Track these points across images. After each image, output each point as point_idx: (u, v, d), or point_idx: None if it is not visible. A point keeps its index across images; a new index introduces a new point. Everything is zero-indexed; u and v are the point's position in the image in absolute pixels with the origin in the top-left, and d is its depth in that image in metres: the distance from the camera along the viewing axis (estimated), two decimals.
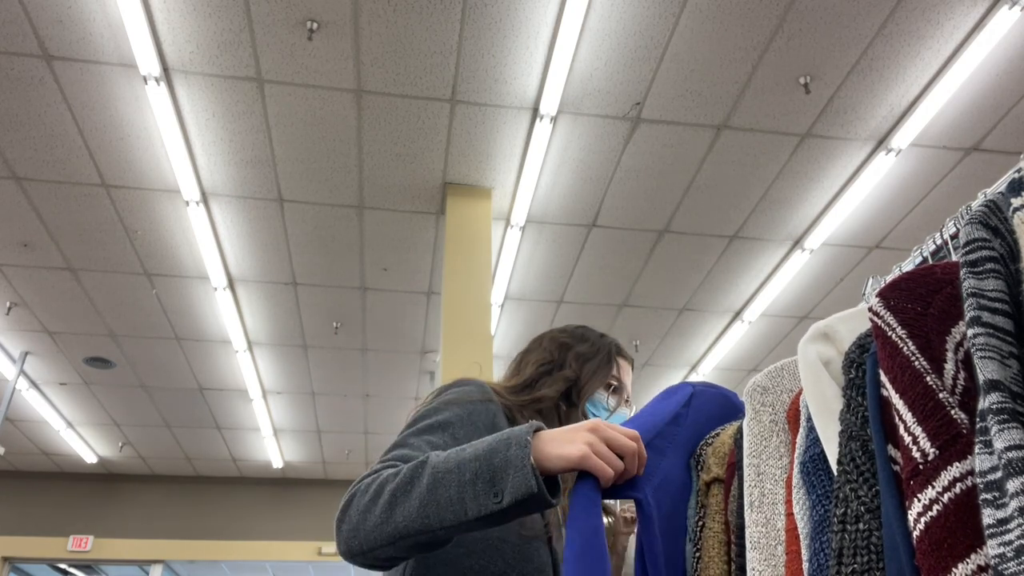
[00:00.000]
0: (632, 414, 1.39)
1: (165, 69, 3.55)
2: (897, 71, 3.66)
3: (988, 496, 0.58)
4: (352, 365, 6.12)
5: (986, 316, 0.65)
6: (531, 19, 3.39)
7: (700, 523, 1.03)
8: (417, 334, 5.73)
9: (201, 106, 3.77)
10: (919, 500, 0.63)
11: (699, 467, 1.07)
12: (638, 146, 4.08)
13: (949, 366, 0.68)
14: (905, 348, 0.71)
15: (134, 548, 7.72)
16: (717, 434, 1.09)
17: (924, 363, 0.69)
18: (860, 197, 4.39)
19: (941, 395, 0.67)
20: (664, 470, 1.04)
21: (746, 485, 0.93)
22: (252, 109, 3.80)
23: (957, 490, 0.62)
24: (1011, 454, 0.56)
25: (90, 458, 7.56)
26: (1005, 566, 0.55)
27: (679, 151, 4.12)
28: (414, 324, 5.60)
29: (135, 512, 7.90)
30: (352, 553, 0.97)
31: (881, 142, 4.07)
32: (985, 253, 0.69)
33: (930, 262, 1.25)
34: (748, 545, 0.89)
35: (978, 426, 0.61)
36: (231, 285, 5.09)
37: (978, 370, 0.62)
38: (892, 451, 0.70)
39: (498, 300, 5.29)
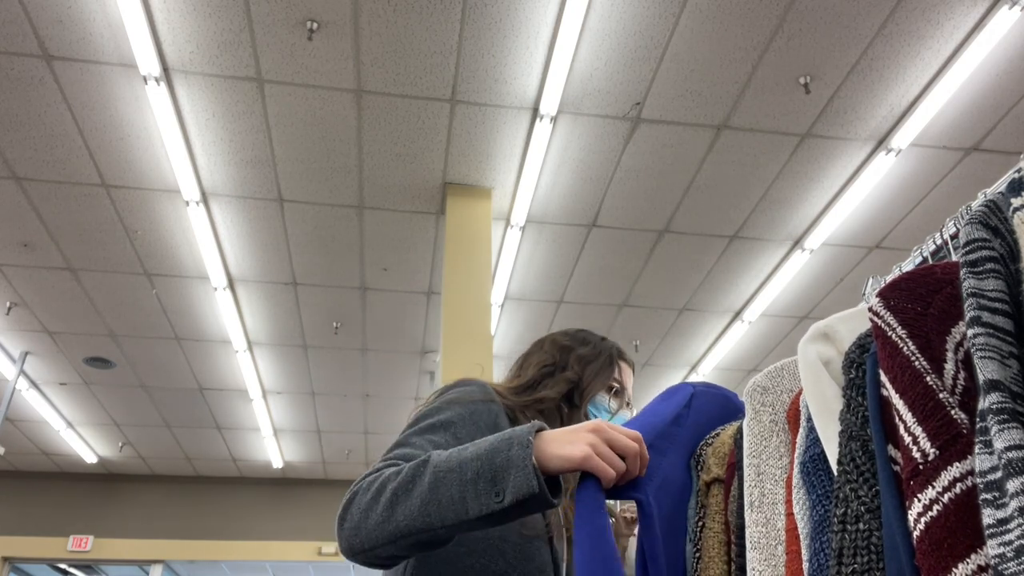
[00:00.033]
0: (632, 416, 1.39)
1: (165, 69, 3.55)
2: (897, 71, 3.66)
3: (988, 496, 0.58)
4: (352, 365, 6.12)
5: (986, 316, 0.65)
6: (531, 19, 3.39)
7: (700, 523, 1.03)
8: (417, 334, 5.73)
9: (201, 106, 3.77)
10: (919, 500, 0.63)
11: (699, 467, 1.07)
12: (638, 146, 4.08)
13: (949, 366, 0.68)
14: (905, 348, 0.71)
15: (134, 548, 7.72)
16: (717, 434, 1.09)
17: (924, 363, 0.69)
18: (860, 197, 4.39)
19: (941, 395, 0.67)
20: (665, 471, 1.04)
21: (746, 485, 0.93)
22: (252, 109, 3.80)
23: (957, 490, 0.62)
24: (1011, 454, 0.56)
25: (90, 458, 7.56)
26: (1005, 566, 0.55)
27: (679, 151, 4.12)
28: (414, 324, 5.60)
29: (135, 512, 7.90)
30: (354, 551, 0.97)
31: (881, 142, 4.07)
32: (985, 253, 0.69)
33: (930, 262, 1.25)
34: (748, 545, 0.89)
35: (978, 426, 0.61)
36: (231, 285, 5.09)
37: (978, 370, 0.62)
38: (892, 451, 0.70)
39: (498, 300, 5.29)
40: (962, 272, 0.69)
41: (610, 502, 1.42)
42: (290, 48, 3.49)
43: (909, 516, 0.64)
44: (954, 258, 0.93)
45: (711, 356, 6.11)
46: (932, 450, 0.64)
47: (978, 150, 4.11)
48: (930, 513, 0.62)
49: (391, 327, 5.62)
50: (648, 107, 3.84)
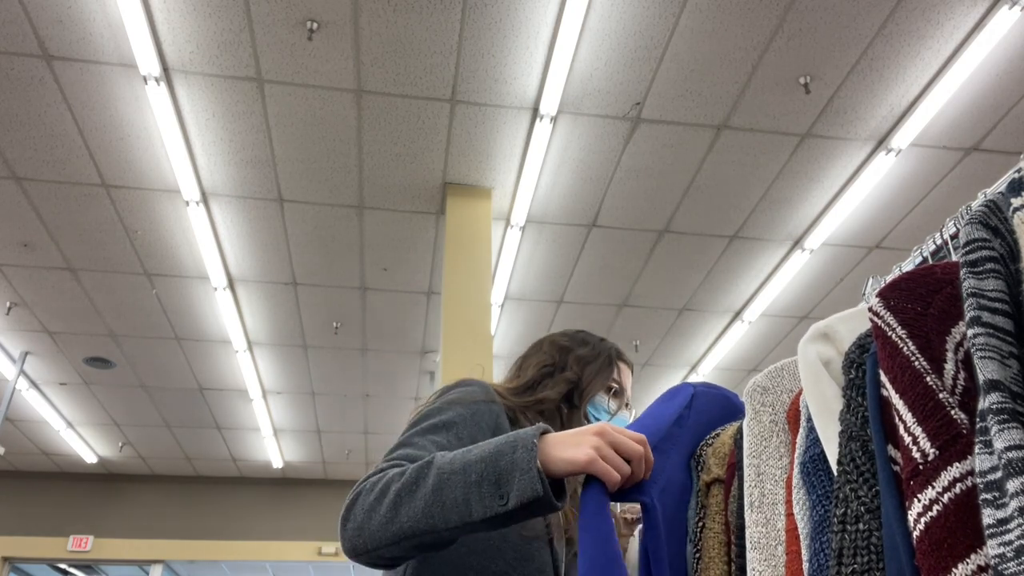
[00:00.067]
0: (632, 417, 1.39)
1: (165, 69, 3.55)
2: (897, 71, 3.66)
3: (988, 496, 0.58)
4: (352, 365, 6.12)
5: (986, 316, 0.65)
6: (531, 19, 3.39)
7: (700, 524, 1.03)
8: (417, 334, 5.73)
9: (201, 106, 3.77)
10: (919, 500, 0.63)
11: (699, 468, 1.07)
12: (638, 146, 4.08)
13: (949, 366, 0.68)
14: (905, 348, 0.71)
15: (134, 548, 7.72)
16: (717, 435, 1.09)
17: (924, 363, 0.69)
18: (860, 197, 4.39)
19: (941, 395, 0.67)
20: (668, 472, 1.04)
21: (746, 485, 0.93)
22: (252, 109, 3.80)
23: (957, 490, 0.62)
24: (1011, 454, 0.56)
25: (90, 458, 7.56)
26: (1005, 566, 0.55)
27: (679, 151, 4.12)
28: (414, 324, 5.60)
29: (135, 512, 7.90)
30: (356, 552, 0.96)
31: (881, 142, 4.07)
32: (985, 253, 0.69)
33: (930, 262, 1.25)
34: (748, 545, 0.89)
35: (978, 426, 0.61)
36: (231, 285, 5.09)
37: (978, 370, 0.62)
38: (892, 451, 0.70)
39: (498, 300, 5.29)
40: (962, 272, 0.69)
41: (612, 503, 1.42)
42: (290, 48, 3.49)
43: (909, 516, 0.64)
44: (954, 258, 0.93)
45: (711, 356, 6.11)
46: (932, 450, 0.64)
47: (978, 150, 4.11)
48: (930, 513, 0.62)
49: (391, 327, 5.63)
50: (648, 107, 3.84)
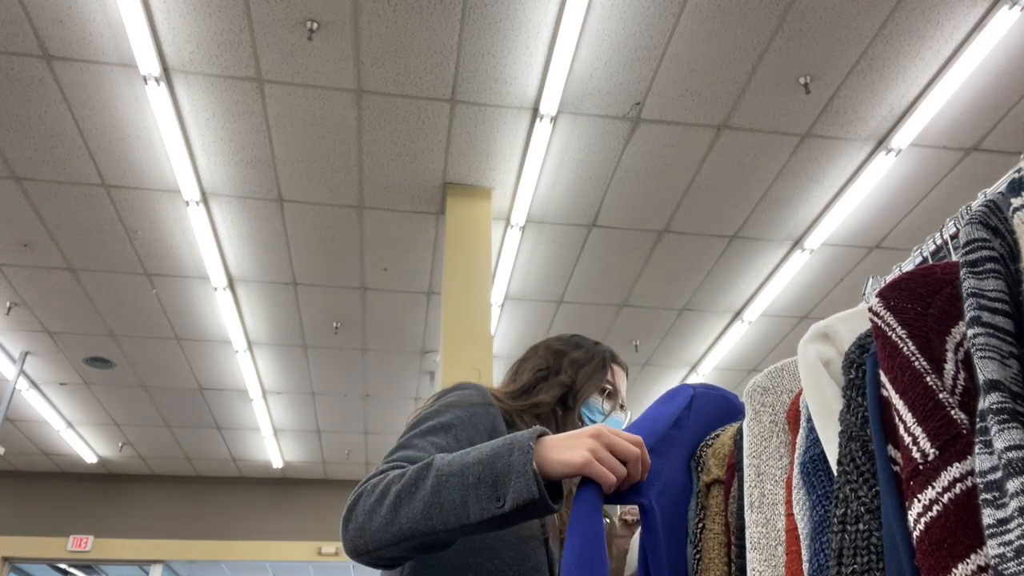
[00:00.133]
0: (628, 419, 1.40)
1: (165, 69, 3.55)
2: (897, 71, 3.66)
3: (988, 496, 0.58)
4: (352, 365, 6.12)
5: (986, 316, 0.65)
6: (531, 19, 3.39)
7: (700, 525, 1.03)
8: (417, 334, 5.73)
9: (201, 106, 3.77)
10: (919, 500, 0.63)
11: (699, 469, 1.07)
12: (638, 146, 4.08)
13: (949, 366, 0.68)
14: (905, 348, 0.71)
15: (134, 548, 7.72)
16: (717, 435, 1.09)
17: (924, 363, 0.69)
18: (860, 197, 4.39)
19: (941, 395, 0.67)
20: (667, 474, 1.04)
21: (746, 486, 0.93)
22: (252, 109, 3.80)
23: (957, 490, 0.62)
24: (1011, 454, 0.56)
25: (90, 458, 7.56)
26: (1005, 566, 0.55)
27: (679, 151, 4.12)
28: (414, 324, 5.60)
29: (135, 512, 7.90)
30: (358, 552, 0.98)
31: (881, 142, 4.07)
32: (985, 253, 0.69)
33: (930, 262, 1.25)
34: (748, 546, 0.89)
35: (978, 426, 0.61)
36: (231, 285, 5.09)
37: (978, 370, 0.62)
38: (892, 451, 0.70)
39: (498, 300, 5.29)
40: (962, 272, 0.69)
41: (611, 505, 1.42)
42: (290, 48, 3.49)
43: (909, 516, 0.64)
44: (954, 258, 0.93)
45: (711, 356, 6.10)
46: (932, 450, 0.64)
47: (978, 150, 4.11)
48: (930, 513, 0.62)
49: (391, 327, 5.63)
50: (648, 107, 3.84)
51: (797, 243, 4.84)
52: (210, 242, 4.62)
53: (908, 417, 0.67)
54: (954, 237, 1.26)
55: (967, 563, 0.59)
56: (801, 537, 0.81)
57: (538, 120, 3.86)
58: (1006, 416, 0.58)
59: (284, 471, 8.09)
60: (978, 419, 0.61)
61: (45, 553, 7.63)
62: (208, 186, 4.26)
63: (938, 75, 3.66)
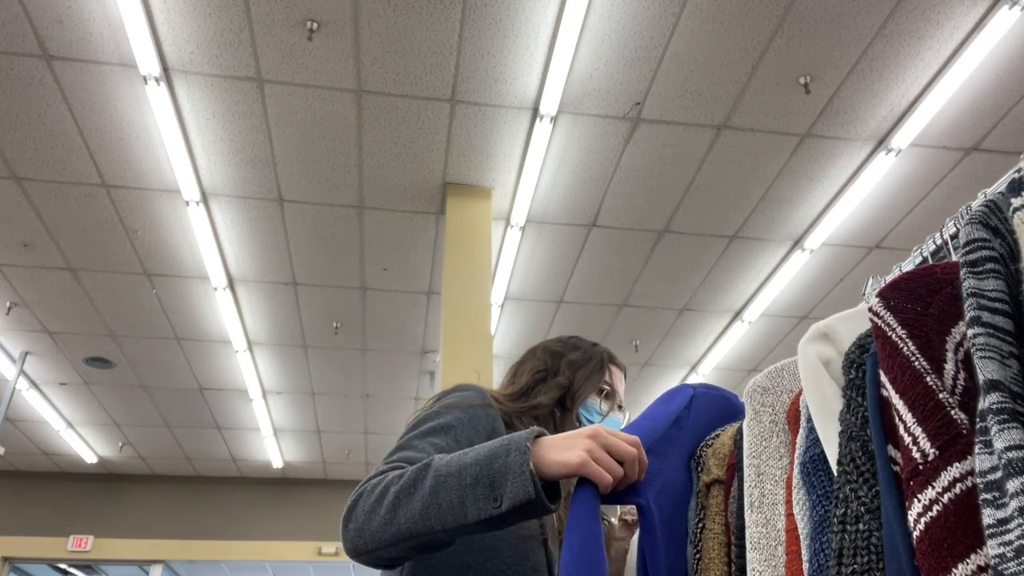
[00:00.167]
0: (626, 419, 1.41)
1: (165, 69, 3.55)
2: (897, 71, 3.66)
3: (988, 496, 0.58)
4: (352, 365, 6.12)
5: (986, 316, 0.64)
6: (531, 19, 3.39)
7: (700, 525, 1.03)
8: (417, 334, 5.73)
9: (201, 106, 3.77)
10: (919, 500, 0.63)
11: (699, 469, 1.07)
12: (638, 146, 4.08)
13: (949, 366, 0.68)
14: (905, 348, 0.71)
15: (134, 548, 7.72)
16: (717, 435, 1.09)
17: (924, 363, 0.69)
18: (860, 197, 4.39)
19: (941, 395, 0.66)
20: (666, 474, 1.04)
21: (746, 486, 0.93)
22: (252, 109, 3.80)
23: (957, 490, 0.62)
24: (1011, 454, 0.56)
25: (90, 458, 7.56)
26: (1005, 566, 0.55)
27: (679, 151, 4.12)
28: (414, 324, 5.60)
29: (135, 512, 7.90)
30: (358, 552, 0.98)
31: (881, 142, 4.07)
32: (985, 253, 0.69)
33: (930, 262, 1.25)
34: (748, 546, 0.89)
35: (978, 426, 0.61)
36: (231, 285, 5.09)
37: (978, 370, 0.62)
38: (892, 451, 0.70)
39: (498, 300, 5.29)
40: (962, 272, 0.69)
41: (610, 505, 1.42)
42: (290, 48, 3.49)
43: (909, 516, 0.64)
44: (954, 258, 0.93)
45: (711, 356, 6.10)
46: (932, 450, 0.64)
47: (978, 150, 4.11)
48: (930, 513, 0.62)
49: (391, 327, 5.63)
50: (648, 107, 3.84)
51: (797, 243, 4.84)
52: (210, 242, 4.62)
53: (908, 417, 0.67)
54: (954, 237, 1.26)
55: (967, 563, 0.59)
56: (801, 537, 0.81)
57: (538, 120, 3.86)
58: (1006, 416, 0.58)
59: (284, 471, 8.09)
60: (978, 419, 0.61)
61: (45, 553, 7.63)
62: (208, 186, 4.26)
63: (938, 75, 3.66)
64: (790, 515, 0.84)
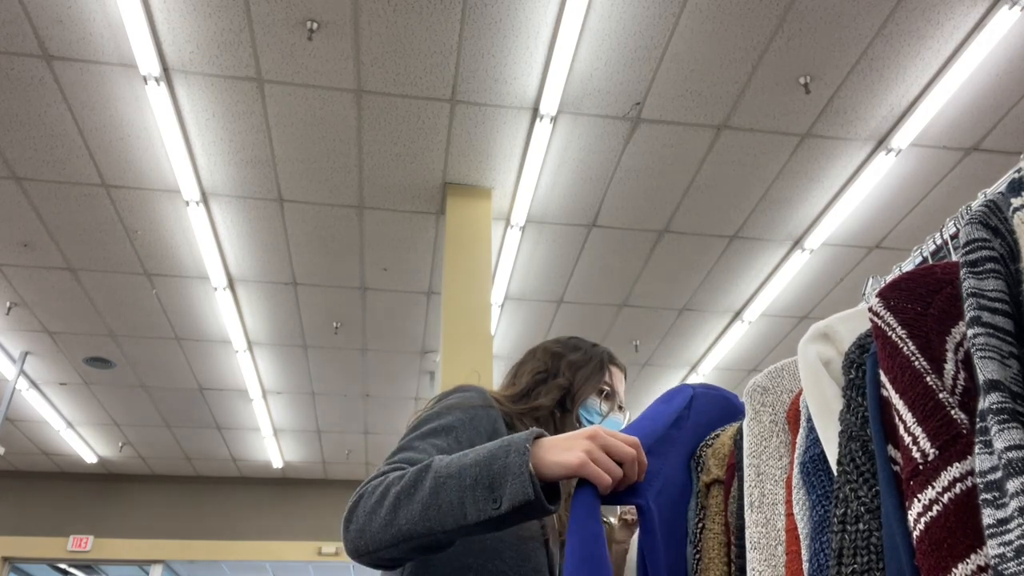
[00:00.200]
0: (627, 419, 1.41)
1: (165, 69, 3.55)
2: (897, 71, 3.66)
3: (988, 496, 0.58)
4: (352, 365, 6.12)
5: (986, 316, 0.64)
6: (531, 19, 3.39)
7: (700, 525, 1.03)
8: (417, 334, 5.73)
9: (201, 106, 3.77)
10: (919, 500, 0.63)
11: (699, 469, 1.07)
12: (638, 146, 4.08)
13: (949, 366, 0.68)
14: (905, 348, 0.71)
15: (134, 548, 7.72)
16: (717, 435, 1.09)
17: (924, 363, 0.69)
18: (860, 197, 4.39)
19: (941, 395, 0.66)
20: (666, 474, 1.04)
21: (746, 486, 0.93)
22: (252, 109, 3.80)
23: (957, 490, 0.62)
24: (1011, 454, 0.56)
25: (90, 458, 7.56)
26: (1005, 566, 0.55)
27: (679, 151, 4.12)
28: (414, 324, 5.60)
29: (135, 512, 7.90)
30: (359, 553, 0.99)
31: (881, 142, 4.07)
32: (985, 253, 0.69)
33: (930, 262, 1.25)
34: (748, 546, 0.89)
35: (978, 426, 0.61)
36: (231, 285, 5.09)
37: (978, 370, 0.62)
38: (892, 451, 0.70)
39: (498, 300, 5.29)
40: (962, 272, 0.69)
41: (610, 506, 1.42)
42: (290, 48, 3.49)
43: (909, 516, 0.64)
44: (954, 258, 0.93)
45: (711, 356, 6.10)
46: (932, 450, 0.64)
47: (978, 150, 4.11)
48: (930, 513, 0.62)
49: (391, 327, 5.63)
50: (648, 107, 3.84)
51: (797, 243, 4.84)
52: (210, 242, 4.62)
53: (908, 417, 0.67)
54: (954, 237, 1.26)
55: (967, 563, 0.59)
56: (801, 537, 0.81)
57: (538, 120, 3.86)
58: (1006, 416, 0.58)
59: (284, 471, 8.09)
60: (978, 419, 0.61)
61: (45, 553, 7.63)
62: (208, 186, 4.26)
63: (938, 75, 3.66)
64: (790, 515, 0.84)
